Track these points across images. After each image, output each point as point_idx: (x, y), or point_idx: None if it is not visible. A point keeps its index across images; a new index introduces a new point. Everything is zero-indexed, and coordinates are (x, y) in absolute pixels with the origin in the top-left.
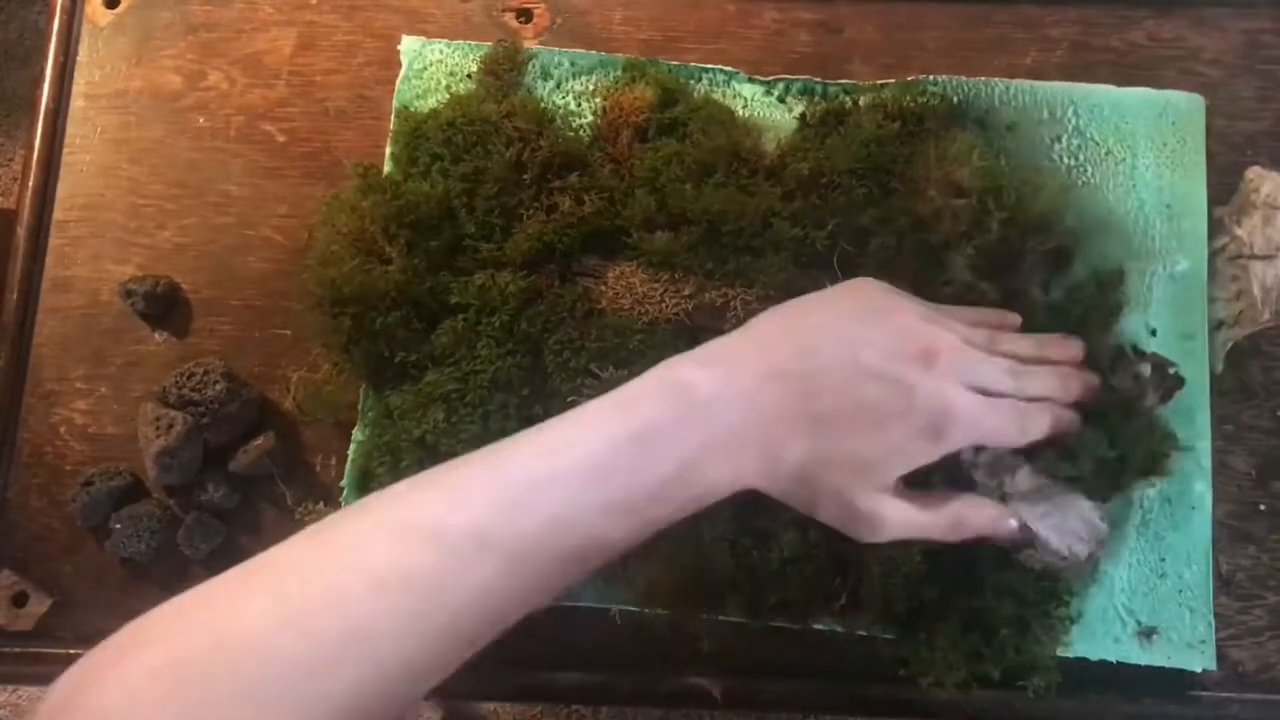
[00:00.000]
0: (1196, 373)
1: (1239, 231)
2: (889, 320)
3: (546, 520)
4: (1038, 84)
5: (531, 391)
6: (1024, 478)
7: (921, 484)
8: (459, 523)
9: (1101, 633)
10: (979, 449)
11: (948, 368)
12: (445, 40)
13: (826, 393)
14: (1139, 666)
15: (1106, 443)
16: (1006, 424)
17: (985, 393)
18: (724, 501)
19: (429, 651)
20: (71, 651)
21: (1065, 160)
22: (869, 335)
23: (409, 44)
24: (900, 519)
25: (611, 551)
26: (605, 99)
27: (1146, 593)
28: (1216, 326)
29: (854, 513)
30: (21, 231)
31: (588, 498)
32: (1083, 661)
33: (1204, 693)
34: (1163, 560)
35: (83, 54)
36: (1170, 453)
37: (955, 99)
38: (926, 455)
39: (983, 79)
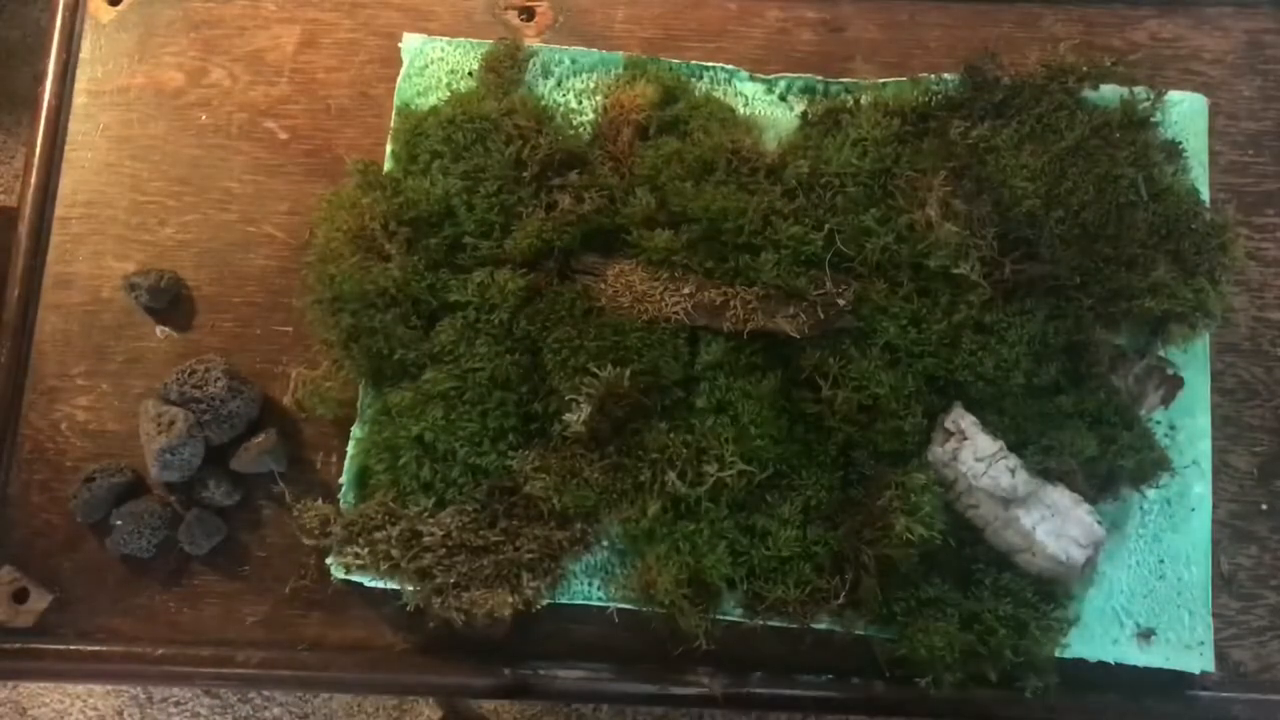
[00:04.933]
0: (1198, 374)
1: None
2: None
3: None
4: None
5: (530, 389)
6: (1021, 482)
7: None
8: None
9: (1100, 634)
10: (978, 457)
11: None
12: (447, 38)
13: None
14: (1138, 667)
15: (1094, 442)
16: None
17: None
18: (721, 498)
19: None
20: (72, 648)
21: None
22: None
23: (410, 41)
24: None
25: None
26: (606, 97)
27: (1145, 594)
28: None
29: None
30: (23, 228)
31: None
32: (1082, 662)
33: (1204, 692)
34: (1161, 562)
35: (85, 51)
36: (1164, 467)
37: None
38: None
39: None
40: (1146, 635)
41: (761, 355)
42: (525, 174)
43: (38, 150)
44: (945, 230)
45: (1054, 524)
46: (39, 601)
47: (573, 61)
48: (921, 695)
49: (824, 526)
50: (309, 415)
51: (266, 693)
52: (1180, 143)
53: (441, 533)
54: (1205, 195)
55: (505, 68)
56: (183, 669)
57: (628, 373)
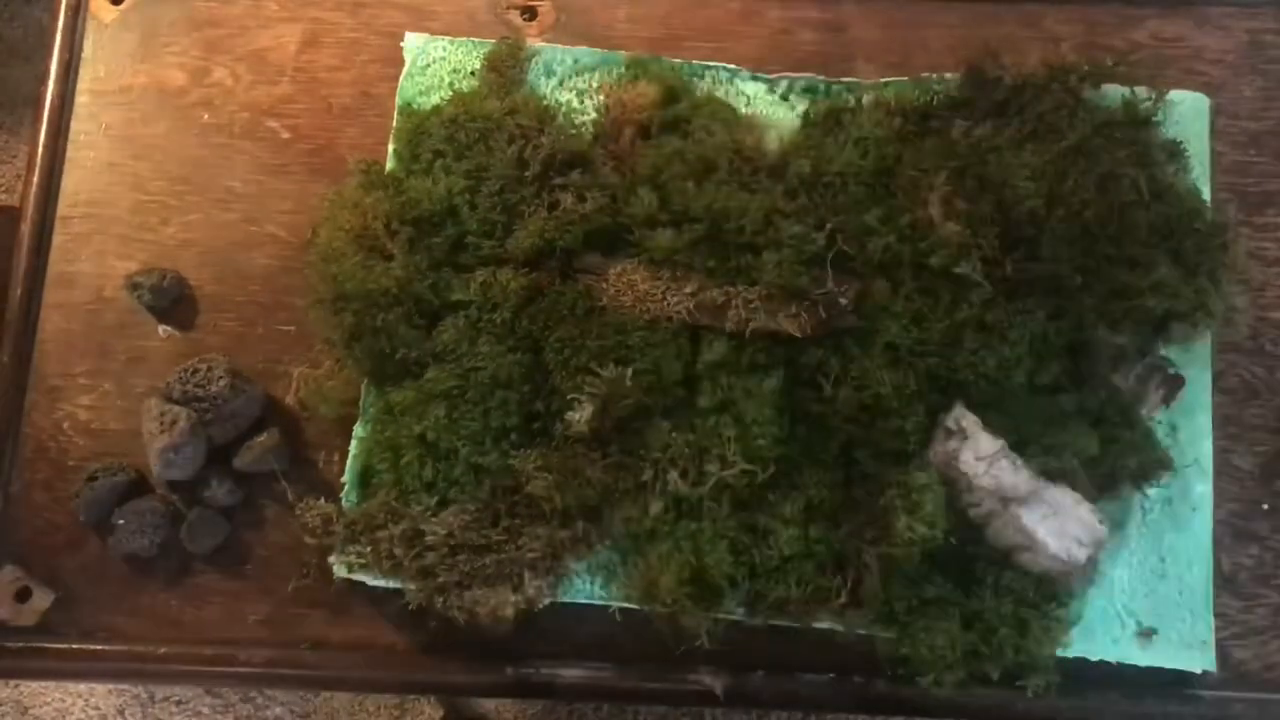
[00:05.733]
0: (1199, 373)
1: None
2: None
3: None
4: None
5: (532, 388)
6: (1022, 480)
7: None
8: None
9: (1101, 633)
10: (979, 456)
11: None
12: (449, 37)
13: None
14: (1140, 666)
15: (1096, 442)
16: None
17: None
18: (723, 497)
19: None
20: (74, 646)
21: None
22: None
23: (413, 41)
24: None
25: None
26: (608, 96)
27: (1146, 594)
28: None
29: None
30: (26, 227)
31: None
32: (1083, 661)
33: (1206, 691)
34: (1163, 561)
35: (88, 50)
36: (1166, 467)
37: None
38: None
39: None
40: (1148, 634)
41: (763, 354)
42: (528, 173)
43: (40, 149)
44: (947, 229)
45: (1055, 523)
46: (41, 600)
47: (575, 61)
48: (923, 694)
49: (826, 526)
50: (311, 414)
51: (269, 692)
52: (1181, 142)
53: (444, 532)
54: (1207, 195)
55: (507, 67)
56: (185, 668)
57: (630, 372)
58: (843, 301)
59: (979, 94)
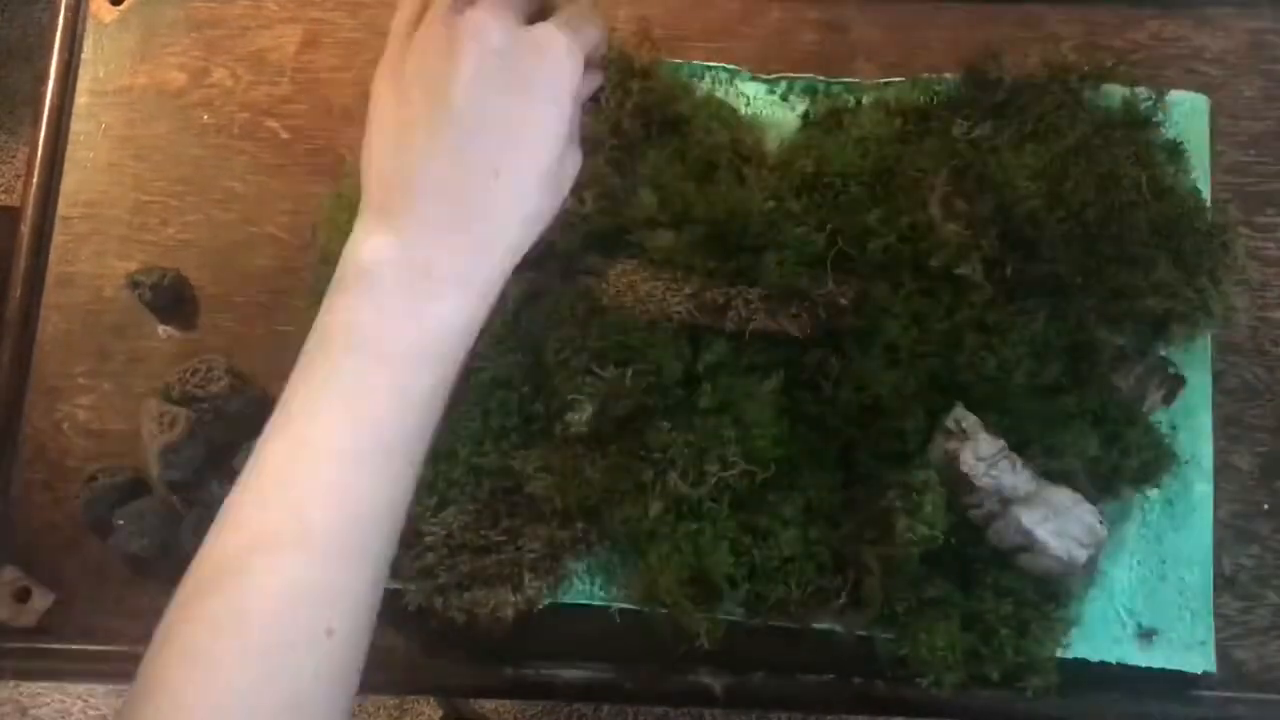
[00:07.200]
0: (1199, 373)
1: None
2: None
3: (339, 504)
4: None
5: (532, 389)
6: (1023, 481)
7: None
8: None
9: (1101, 634)
10: (979, 457)
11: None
12: None
13: (467, 153)
14: (1140, 667)
15: (1096, 442)
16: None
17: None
18: (723, 497)
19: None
20: (74, 647)
21: None
22: (443, 78)
23: None
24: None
25: (417, 450)
26: (607, 96)
27: (1147, 594)
28: None
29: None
30: (25, 228)
31: (368, 447)
32: (1083, 662)
33: (1207, 692)
34: (1163, 562)
35: (87, 51)
36: (1168, 466)
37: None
38: (568, 99)
39: None
40: (1148, 635)
41: (764, 355)
42: None
43: (40, 150)
44: (947, 230)
45: (1056, 523)
46: (41, 601)
47: None
48: (923, 695)
49: (826, 526)
50: None
51: None
52: (1181, 142)
53: (444, 532)
54: (1206, 195)
55: None
56: None
57: (630, 372)
58: (843, 302)
59: (979, 94)
